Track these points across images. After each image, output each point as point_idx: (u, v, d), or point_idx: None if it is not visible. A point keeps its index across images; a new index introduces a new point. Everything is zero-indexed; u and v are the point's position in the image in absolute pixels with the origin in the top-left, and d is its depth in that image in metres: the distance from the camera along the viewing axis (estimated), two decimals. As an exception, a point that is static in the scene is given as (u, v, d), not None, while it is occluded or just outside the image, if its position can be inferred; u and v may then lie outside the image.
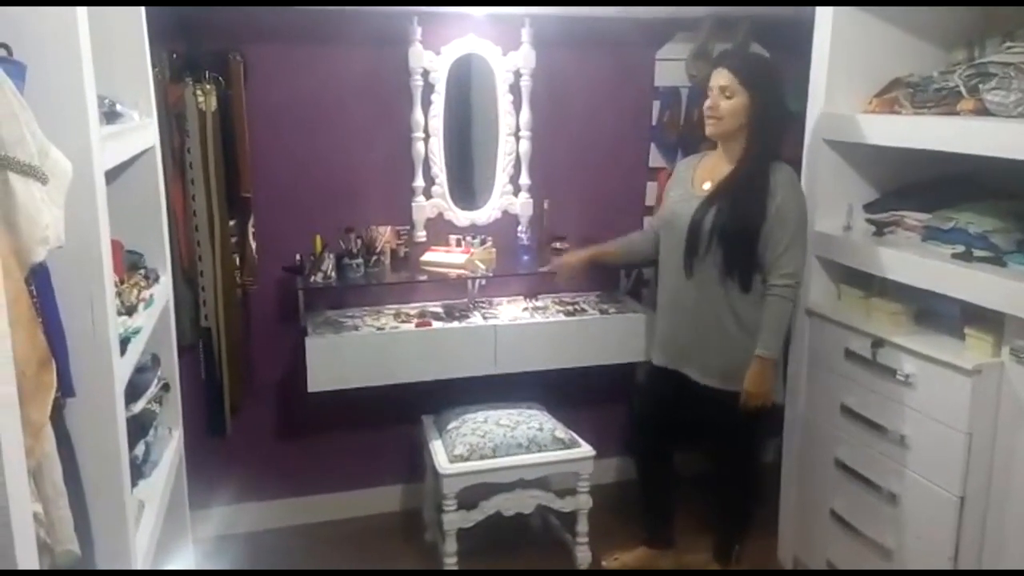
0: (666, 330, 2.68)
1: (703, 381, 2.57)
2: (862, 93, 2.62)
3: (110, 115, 1.83)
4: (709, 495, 2.91)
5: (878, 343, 2.43)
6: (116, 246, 1.79)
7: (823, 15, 2.59)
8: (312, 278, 2.79)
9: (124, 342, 1.65)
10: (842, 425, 2.61)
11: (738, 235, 2.45)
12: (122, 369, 1.62)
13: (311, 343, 2.75)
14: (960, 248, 2.29)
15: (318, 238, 2.84)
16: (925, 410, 2.29)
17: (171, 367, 2.40)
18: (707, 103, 2.50)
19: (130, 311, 1.81)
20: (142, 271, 2.04)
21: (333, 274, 2.81)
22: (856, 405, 2.54)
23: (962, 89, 2.33)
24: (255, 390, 3.04)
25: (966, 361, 2.14)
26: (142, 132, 2.02)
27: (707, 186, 2.56)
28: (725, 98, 2.45)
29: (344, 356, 2.77)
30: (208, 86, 2.73)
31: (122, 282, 1.83)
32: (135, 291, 1.87)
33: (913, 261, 2.35)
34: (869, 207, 2.69)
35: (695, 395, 2.60)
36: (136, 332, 1.75)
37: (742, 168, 2.48)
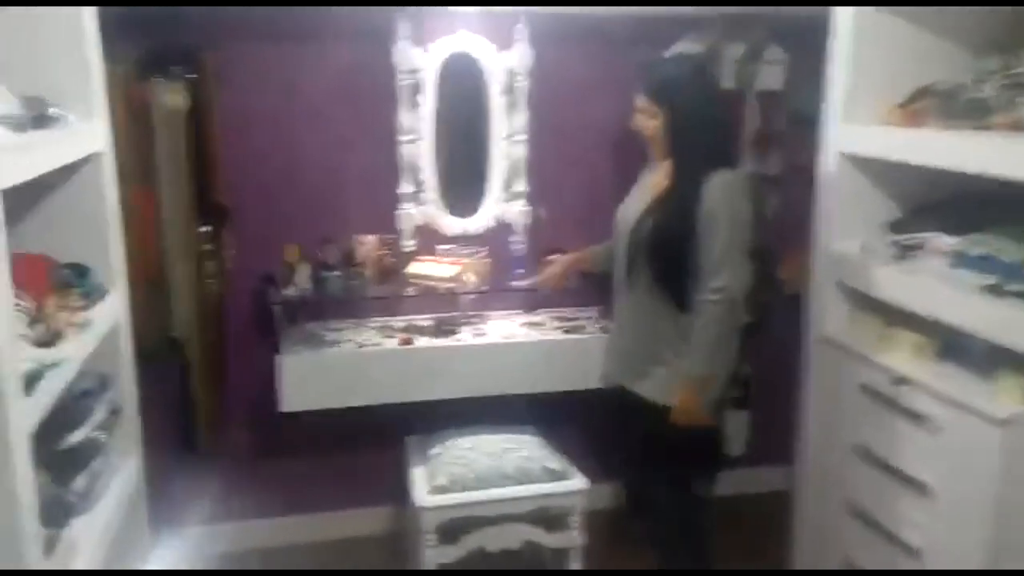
0: (612, 346, 2.50)
1: (646, 394, 2.35)
2: (884, 102, 2.38)
3: (39, 119, 1.65)
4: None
5: (899, 381, 2.20)
6: (39, 265, 1.61)
7: (842, 16, 2.35)
8: (284, 291, 2.60)
9: (34, 378, 1.46)
10: (857, 467, 2.38)
11: (664, 249, 2.25)
12: (29, 410, 1.44)
13: (285, 361, 2.57)
14: (991, 279, 2.05)
15: (293, 248, 2.65)
16: (951, 458, 2.06)
17: (127, 389, 2.23)
18: (633, 124, 2.34)
19: (53, 339, 1.62)
20: (80, 290, 1.86)
21: (309, 287, 2.62)
22: (873, 446, 2.32)
23: (996, 102, 2.09)
24: (230, 405, 2.86)
25: (998, 408, 1.91)
26: (79, 137, 1.84)
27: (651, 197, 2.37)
28: (648, 120, 2.27)
29: (320, 375, 2.59)
30: (179, 85, 2.55)
31: (45, 306, 1.64)
32: (63, 315, 1.69)
33: (937, 292, 2.12)
34: (891, 227, 2.46)
35: (639, 410, 2.38)
36: (56, 364, 1.57)
37: (672, 181, 2.28)
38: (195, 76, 2.59)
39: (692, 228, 2.20)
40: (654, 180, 2.38)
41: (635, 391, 2.37)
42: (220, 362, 2.80)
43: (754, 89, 3.05)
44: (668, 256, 2.25)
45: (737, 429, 3.26)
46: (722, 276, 2.18)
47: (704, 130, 2.24)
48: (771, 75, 3.04)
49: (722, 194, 2.19)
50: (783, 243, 3.24)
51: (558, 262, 2.69)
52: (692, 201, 2.20)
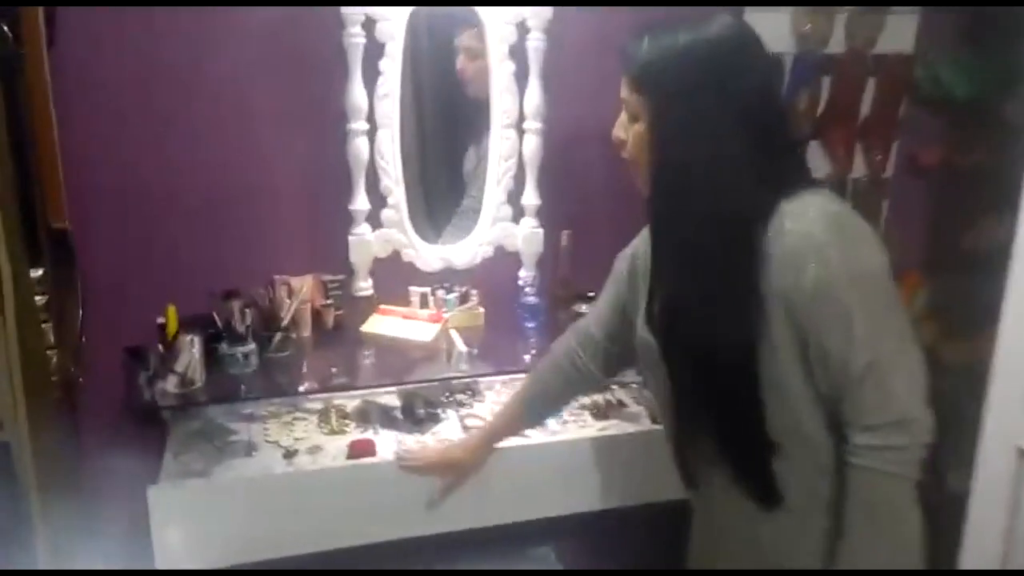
0: (697, 547, 1.45)
1: None
2: None
3: None
4: None
5: None
6: None
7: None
8: (159, 384, 1.62)
9: None
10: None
11: (720, 387, 1.20)
12: None
13: (158, 495, 1.59)
14: None
15: (171, 312, 1.67)
16: None
17: None
18: (613, 131, 1.25)
19: None
20: None
21: (198, 374, 1.64)
22: None
23: None
24: (88, 532, 1.88)
25: None
26: None
27: None
28: (631, 122, 1.21)
29: (218, 514, 1.61)
30: (-18, 43, 1.57)
31: None
32: None
33: None
34: None
35: None
36: None
37: (693, 236, 1.18)
38: (9, 31, 1.59)
39: (763, 329, 1.13)
40: None
41: None
42: (70, 472, 1.83)
43: (870, 52, 2.10)
44: (730, 400, 1.19)
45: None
46: (890, 407, 1.10)
47: (758, 127, 1.13)
48: (898, 32, 2.09)
49: (835, 234, 1.10)
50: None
51: (452, 450, 1.67)
52: (748, 270, 1.12)
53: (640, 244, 1.39)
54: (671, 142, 1.15)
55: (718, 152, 1.12)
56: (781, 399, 1.15)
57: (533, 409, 1.59)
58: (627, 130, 1.21)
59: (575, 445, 1.83)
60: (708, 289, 1.16)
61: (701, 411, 1.24)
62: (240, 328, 1.67)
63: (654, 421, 1.90)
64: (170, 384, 1.60)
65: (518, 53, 1.92)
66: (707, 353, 1.17)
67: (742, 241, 1.13)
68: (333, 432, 1.84)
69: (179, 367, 1.59)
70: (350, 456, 1.72)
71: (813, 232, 1.09)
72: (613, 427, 1.90)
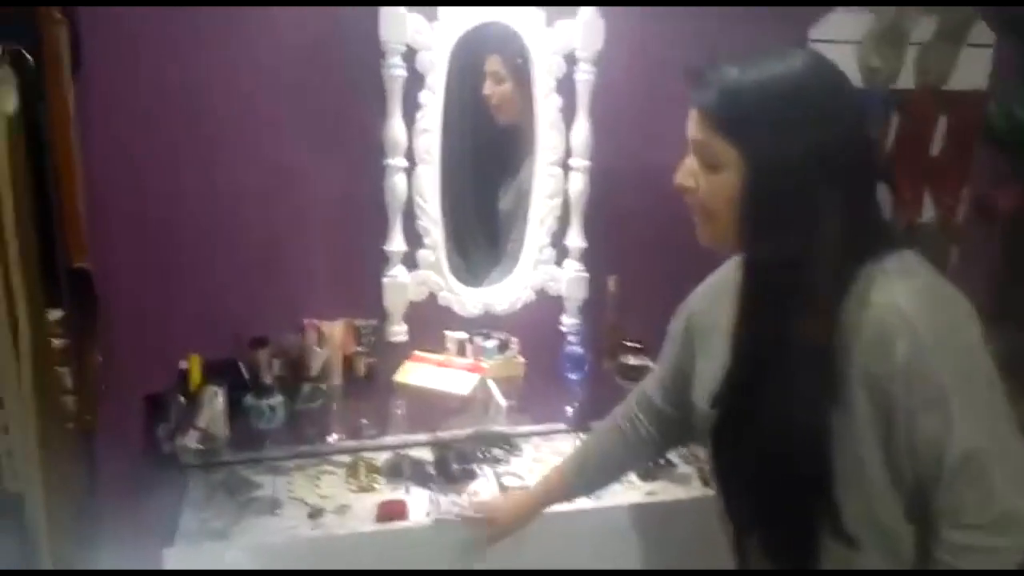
0: None
1: None
2: None
3: None
4: None
5: None
6: None
7: None
8: (180, 440, 1.51)
9: None
10: None
11: (786, 476, 1.04)
12: None
13: (173, 557, 1.48)
14: None
15: (194, 362, 1.57)
16: None
17: None
18: (676, 177, 1.07)
19: None
20: None
21: (222, 430, 1.54)
22: None
23: None
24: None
25: None
26: None
27: None
28: (707, 169, 1.02)
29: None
30: (3, 71, 1.48)
31: None
32: None
33: None
34: None
35: None
36: None
37: (790, 295, 1.00)
38: (31, 56, 1.51)
39: (842, 410, 0.98)
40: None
41: None
42: (83, 529, 1.73)
43: (942, 89, 1.97)
44: (797, 487, 1.04)
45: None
46: (991, 503, 0.95)
47: (848, 185, 0.98)
48: (972, 67, 1.95)
49: (930, 319, 0.94)
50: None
51: (513, 503, 1.50)
52: (830, 341, 0.97)
53: (697, 301, 1.25)
54: (775, 195, 0.98)
55: (823, 206, 0.97)
56: (857, 487, 1.00)
57: (586, 473, 1.42)
58: (699, 178, 1.03)
59: (620, 512, 1.69)
60: (789, 359, 1.01)
61: (764, 498, 1.08)
62: (268, 379, 1.57)
63: (705, 484, 1.76)
64: (191, 440, 1.49)
65: (566, 85, 1.82)
66: (776, 434, 1.02)
67: (827, 308, 0.98)
68: (362, 489, 1.72)
69: (201, 422, 1.49)
70: (379, 519, 1.60)
71: (900, 304, 0.94)
72: (661, 490, 1.77)
